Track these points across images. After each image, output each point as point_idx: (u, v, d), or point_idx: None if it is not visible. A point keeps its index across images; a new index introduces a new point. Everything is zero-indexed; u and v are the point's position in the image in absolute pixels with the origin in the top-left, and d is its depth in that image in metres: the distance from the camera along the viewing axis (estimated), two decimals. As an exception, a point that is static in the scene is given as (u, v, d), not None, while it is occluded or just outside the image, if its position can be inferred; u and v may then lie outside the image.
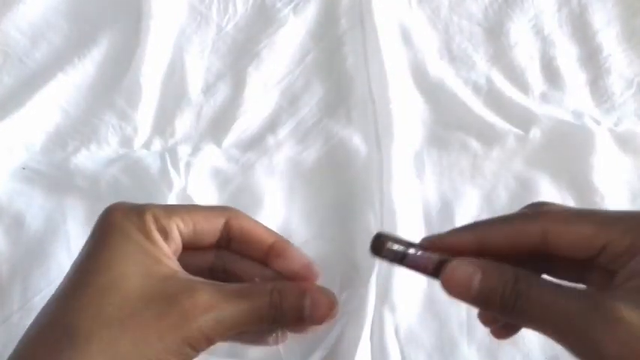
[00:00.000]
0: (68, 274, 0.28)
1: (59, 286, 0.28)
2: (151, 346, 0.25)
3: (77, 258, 0.29)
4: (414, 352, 0.45)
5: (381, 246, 0.28)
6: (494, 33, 0.64)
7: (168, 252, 0.29)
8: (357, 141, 0.57)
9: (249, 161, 0.56)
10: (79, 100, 0.59)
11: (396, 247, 0.28)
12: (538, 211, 0.28)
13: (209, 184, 0.55)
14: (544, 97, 0.61)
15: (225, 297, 0.27)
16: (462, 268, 0.26)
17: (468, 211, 0.53)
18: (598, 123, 0.58)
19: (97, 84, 0.60)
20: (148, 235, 0.28)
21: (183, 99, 0.60)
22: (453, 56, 0.63)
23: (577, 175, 0.55)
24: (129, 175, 0.54)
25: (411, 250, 0.28)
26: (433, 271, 0.28)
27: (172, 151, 0.56)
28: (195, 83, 0.61)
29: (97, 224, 0.29)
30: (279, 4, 0.63)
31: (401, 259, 0.28)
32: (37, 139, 0.57)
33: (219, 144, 0.58)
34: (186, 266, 0.29)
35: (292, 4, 0.63)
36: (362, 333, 0.44)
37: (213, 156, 0.56)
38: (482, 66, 0.63)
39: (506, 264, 0.26)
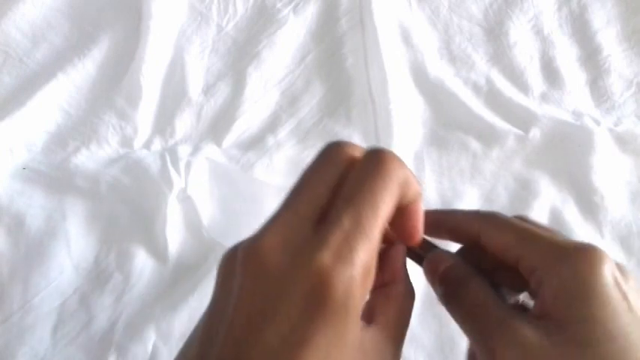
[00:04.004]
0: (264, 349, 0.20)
1: None
2: None
3: (274, 335, 0.20)
4: (414, 352, 0.45)
5: None
6: (494, 33, 0.64)
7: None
8: (357, 141, 0.57)
9: (249, 161, 0.56)
10: (79, 100, 0.59)
11: None
12: (485, 212, 0.29)
13: (209, 184, 0.55)
14: (544, 97, 0.61)
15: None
16: (440, 254, 0.29)
17: (467, 211, 0.53)
18: (598, 123, 0.58)
19: (98, 84, 0.60)
20: (361, 315, 0.22)
21: (184, 99, 0.60)
22: (452, 56, 0.63)
23: (577, 175, 0.55)
24: (129, 175, 0.54)
25: None
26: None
27: (172, 151, 0.56)
28: (195, 83, 0.61)
29: (310, 287, 0.20)
30: (279, 5, 0.63)
31: None
32: (37, 139, 0.57)
33: (219, 144, 0.58)
34: None
35: (292, 5, 0.63)
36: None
37: (213, 156, 0.56)
38: (482, 66, 0.63)
39: (470, 266, 0.29)
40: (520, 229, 0.27)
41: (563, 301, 0.24)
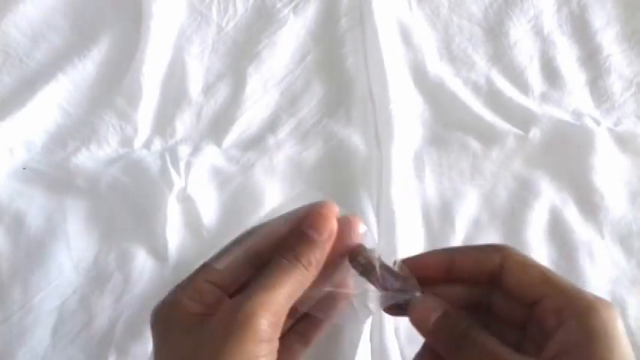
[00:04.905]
0: None
1: None
2: None
3: None
4: (414, 352, 0.45)
5: (355, 255, 0.31)
6: (494, 33, 0.64)
7: None
8: (357, 141, 0.57)
9: (249, 161, 0.56)
10: (79, 100, 0.59)
11: (364, 260, 0.31)
12: (501, 245, 0.31)
13: (209, 184, 0.55)
14: (544, 97, 0.61)
15: (263, 290, 0.28)
16: (427, 302, 0.29)
17: (467, 212, 0.53)
18: (598, 123, 0.58)
19: (98, 84, 0.60)
20: None
21: (184, 99, 0.60)
22: (452, 56, 0.63)
23: (577, 176, 0.55)
24: (129, 175, 0.54)
25: (378, 270, 0.30)
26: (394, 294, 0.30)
27: (172, 151, 0.56)
28: (195, 83, 0.61)
29: None
30: (279, 4, 0.63)
31: (367, 273, 0.30)
32: (37, 138, 0.57)
33: (219, 144, 0.58)
34: None
35: (292, 4, 0.63)
36: (362, 333, 0.44)
37: (213, 156, 0.56)
38: (482, 66, 0.63)
39: (465, 313, 0.29)
40: (544, 269, 0.28)
41: (589, 345, 0.26)
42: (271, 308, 0.27)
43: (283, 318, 0.28)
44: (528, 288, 0.28)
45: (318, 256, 0.30)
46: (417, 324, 0.30)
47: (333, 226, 0.30)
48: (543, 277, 0.28)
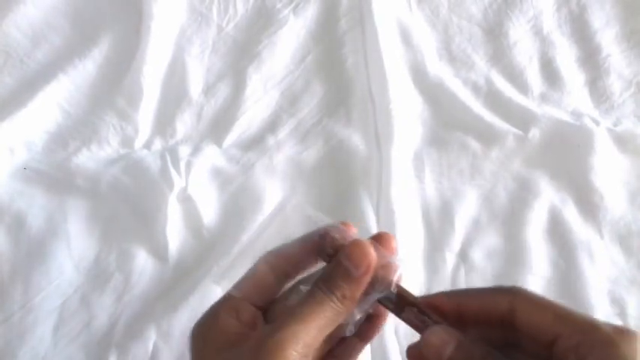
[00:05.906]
0: None
1: None
2: None
3: None
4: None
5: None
6: (494, 33, 0.64)
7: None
8: (357, 141, 0.57)
9: (249, 161, 0.56)
10: (80, 100, 0.59)
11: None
12: (510, 287, 0.30)
13: (209, 184, 0.55)
14: (543, 98, 0.61)
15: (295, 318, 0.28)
16: (440, 334, 0.28)
17: (467, 211, 0.53)
18: (597, 123, 0.58)
19: (98, 84, 0.60)
20: None
21: (184, 99, 0.60)
22: (452, 56, 0.63)
23: (576, 175, 0.55)
24: (129, 175, 0.54)
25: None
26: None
27: (173, 151, 0.56)
28: (195, 83, 0.61)
29: None
30: (279, 5, 0.63)
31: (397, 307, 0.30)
32: (38, 139, 0.57)
33: (219, 144, 0.58)
34: None
35: (292, 5, 0.63)
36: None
37: (213, 156, 0.57)
38: (482, 66, 0.63)
39: (480, 341, 0.28)
40: (557, 307, 0.27)
41: None
42: (302, 339, 0.27)
43: (314, 348, 0.28)
44: (542, 329, 0.27)
45: (354, 290, 0.29)
46: (431, 358, 0.28)
47: (371, 260, 0.29)
48: (556, 315, 0.27)
